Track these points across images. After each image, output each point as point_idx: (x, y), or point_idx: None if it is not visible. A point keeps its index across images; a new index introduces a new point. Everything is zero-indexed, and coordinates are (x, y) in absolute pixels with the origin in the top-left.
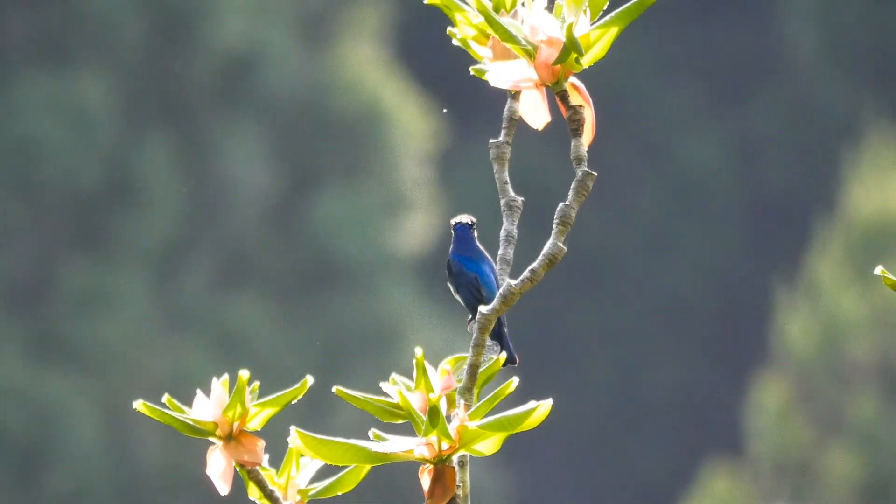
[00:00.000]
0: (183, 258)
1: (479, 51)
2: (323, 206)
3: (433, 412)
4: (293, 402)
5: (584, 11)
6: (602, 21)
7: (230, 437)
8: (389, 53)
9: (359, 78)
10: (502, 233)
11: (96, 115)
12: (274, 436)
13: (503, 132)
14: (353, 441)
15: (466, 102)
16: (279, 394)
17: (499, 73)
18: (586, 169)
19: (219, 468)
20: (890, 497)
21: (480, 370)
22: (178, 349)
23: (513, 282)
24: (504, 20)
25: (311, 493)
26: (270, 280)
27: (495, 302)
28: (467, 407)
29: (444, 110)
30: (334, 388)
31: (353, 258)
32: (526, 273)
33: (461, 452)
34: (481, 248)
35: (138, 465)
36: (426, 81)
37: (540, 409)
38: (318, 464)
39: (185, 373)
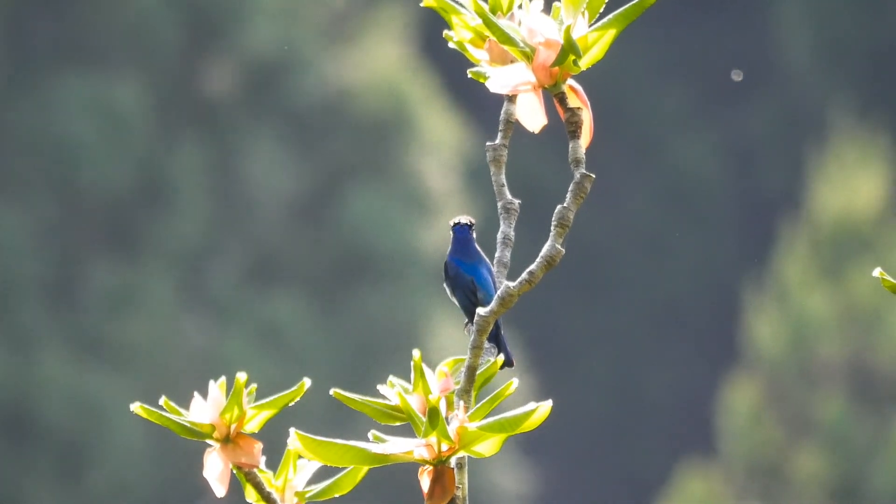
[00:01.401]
0: (214, 257)
1: (476, 54)
2: (350, 205)
3: (433, 413)
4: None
5: (582, 13)
6: (600, 23)
7: (227, 440)
8: (416, 56)
9: (386, 81)
10: (499, 235)
11: (129, 118)
12: (272, 438)
13: (500, 135)
14: (351, 442)
15: (492, 104)
16: (276, 396)
17: (498, 78)
18: (584, 171)
19: (216, 470)
20: (858, 496)
21: (478, 372)
22: (214, 346)
23: (511, 284)
24: (501, 22)
25: (308, 495)
26: (300, 277)
27: (493, 304)
28: (466, 409)
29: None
30: (332, 391)
31: (382, 254)
32: (524, 275)
33: (460, 454)
34: (479, 249)
35: (179, 462)
36: (453, 84)
37: (539, 411)
38: (316, 466)
39: (222, 369)
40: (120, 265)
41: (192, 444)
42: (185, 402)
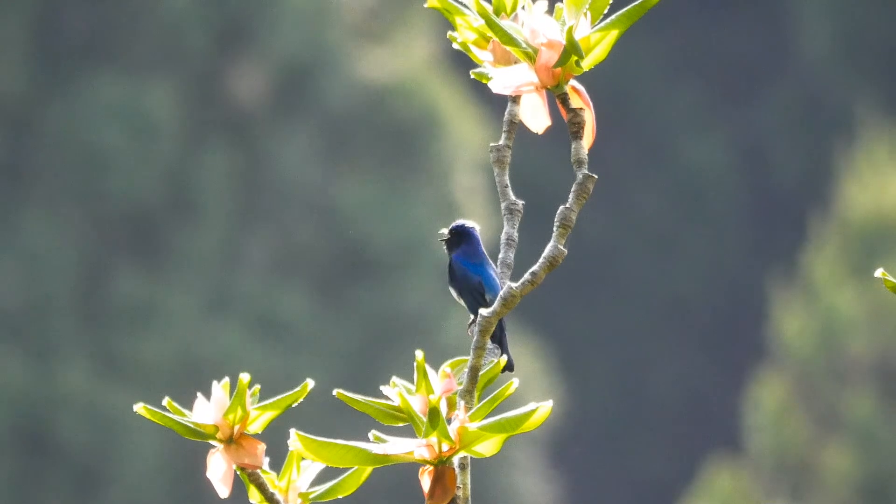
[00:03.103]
0: (240, 265)
1: (480, 54)
2: (374, 208)
3: (433, 413)
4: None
5: (585, 14)
6: (603, 24)
7: (231, 441)
8: (445, 57)
9: (414, 81)
10: (503, 236)
11: (156, 123)
12: (275, 439)
13: (503, 136)
14: (353, 443)
15: None
16: (279, 397)
17: (501, 79)
18: (587, 171)
19: (219, 471)
20: (888, 494)
21: (481, 373)
22: (237, 359)
23: (514, 284)
24: (504, 23)
25: (312, 496)
26: (327, 282)
27: (496, 304)
28: (468, 409)
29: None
30: (335, 392)
31: (404, 255)
32: (527, 276)
33: (462, 454)
34: (484, 251)
35: (199, 479)
36: (481, 85)
37: (540, 411)
38: (319, 467)
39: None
40: (144, 278)
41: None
42: None
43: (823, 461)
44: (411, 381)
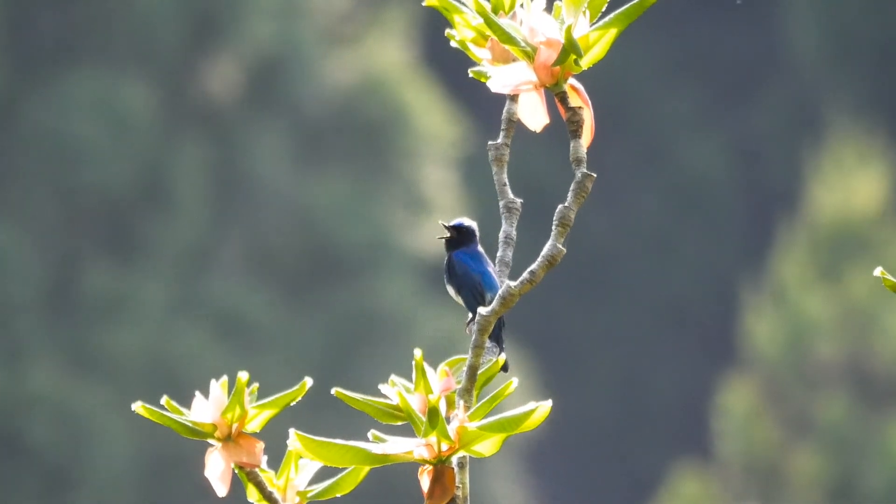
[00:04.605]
0: (211, 262)
1: (478, 53)
2: (345, 206)
3: (432, 413)
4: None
5: (584, 13)
6: (601, 22)
7: (229, 439)
8: (417, 55)
9: (385, 80)
10: (501, 234)
11: (131, 118)
12: (274, 437)
13: (502, 134)
14: (352, 442)
15: (493, 105)
16: (278, 395)
17: (500, 78)
18: (585, 170)
19: (217, 470)
20: (856, 497)
21: (479, 371)
22: (208, 356)
23: (512, 283)
24: (503, 21)
25: (310, 494)
26: (297, 279)
27: (495, 303)
28: (467, 408)
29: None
30: (333, 391)
31: (369, 253)
32: (525, 274)
33: (461, 453)
34: (482, 250)
35: (168, 477)
36: (454, 84)
37: (539, 411)
38: (317, 465)
39: (214, 377)
40: (114, 274)
41: (179, 461)
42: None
43: (792, 464)
44: (386, 379)
